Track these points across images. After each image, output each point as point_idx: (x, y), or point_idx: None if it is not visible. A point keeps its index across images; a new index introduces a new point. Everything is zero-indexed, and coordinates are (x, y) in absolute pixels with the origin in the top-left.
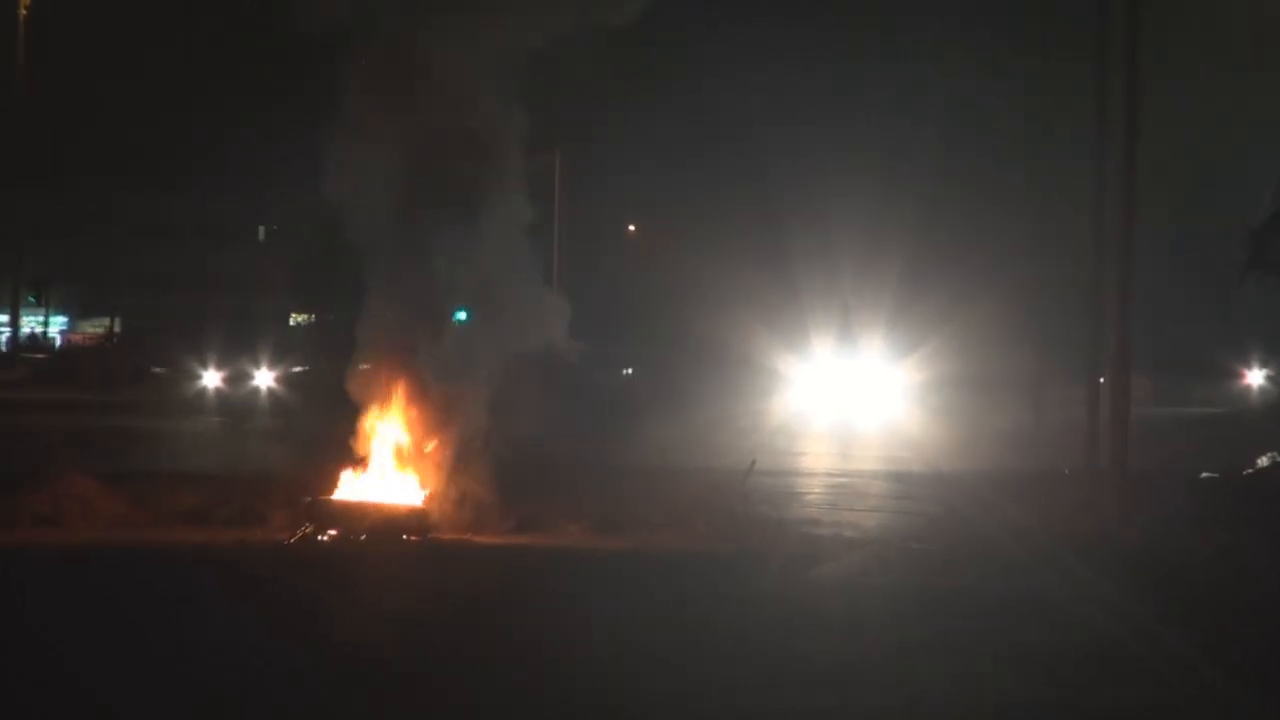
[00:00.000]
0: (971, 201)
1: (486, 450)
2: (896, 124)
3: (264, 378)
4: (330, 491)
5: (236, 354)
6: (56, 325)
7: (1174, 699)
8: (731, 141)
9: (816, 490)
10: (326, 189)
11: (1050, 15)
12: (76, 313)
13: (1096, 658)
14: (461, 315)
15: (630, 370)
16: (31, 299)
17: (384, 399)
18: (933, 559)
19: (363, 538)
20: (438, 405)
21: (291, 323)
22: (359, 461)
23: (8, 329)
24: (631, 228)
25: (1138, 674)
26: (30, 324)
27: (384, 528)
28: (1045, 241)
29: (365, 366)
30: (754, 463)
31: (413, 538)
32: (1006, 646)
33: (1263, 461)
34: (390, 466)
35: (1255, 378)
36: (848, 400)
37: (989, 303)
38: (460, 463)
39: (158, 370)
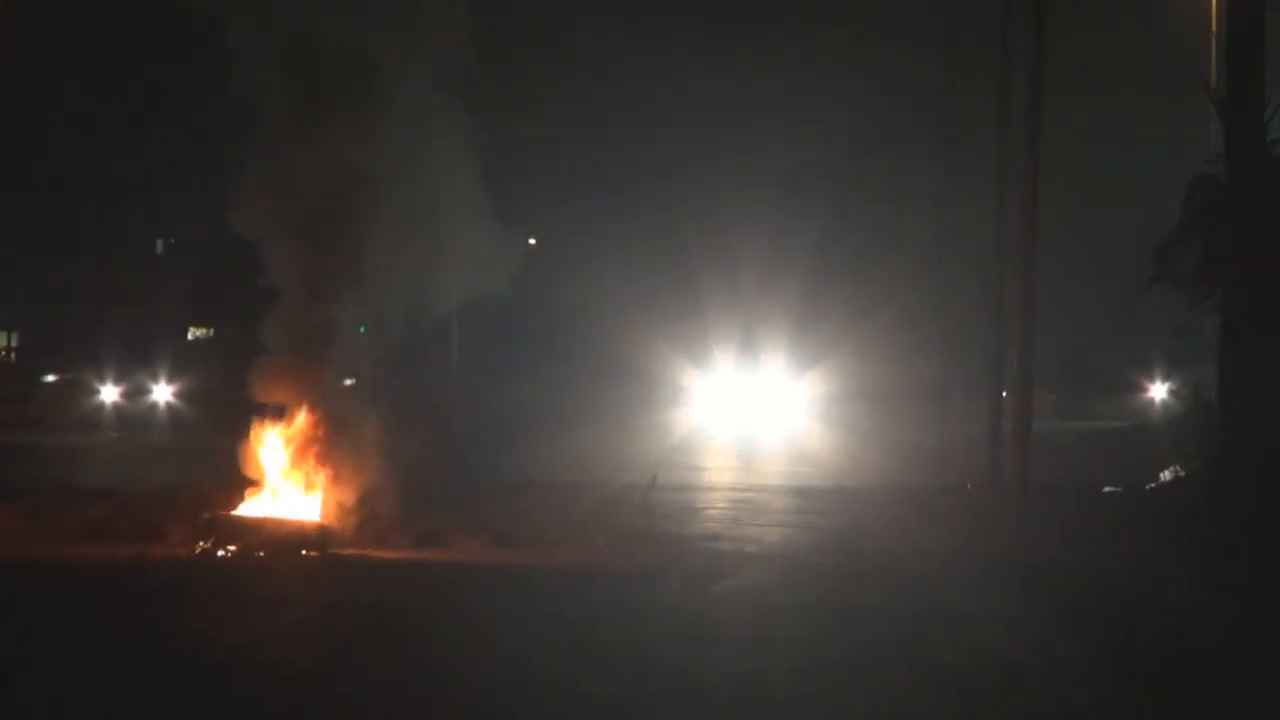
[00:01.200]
0: (875, 217)
1: (385, 466)
2: (800, 140)
3: (162, 392)
4: (230, 507)
5: (134, 368)
6: None
7: (1075, 709)
8: (633, 155)
9: (718, 505)
10: (230, 202)
11: (955, 30)
12: None
13: (1000, 672)
14: (361, 329)
15: (527, 387)
16: None
17: (283, 414)
18: (836, 574)
19: (262, 553)
20: (337, 421)
21: (189, 337)
22: (258, 477)
23: None
24: (532, 241)
25: (1040, 686)
26: None
27: (283, 543)
28: (949, 256)
29: (264, 381)
30: (655, 477)
31: (312, 553)
32: (911, 661)
33: (1165, 475)
34: (289, 482)
35: (1158, 392)
36: (750, 414)
37: (892, 317)
38: (359, 478)
39: (53, 382)
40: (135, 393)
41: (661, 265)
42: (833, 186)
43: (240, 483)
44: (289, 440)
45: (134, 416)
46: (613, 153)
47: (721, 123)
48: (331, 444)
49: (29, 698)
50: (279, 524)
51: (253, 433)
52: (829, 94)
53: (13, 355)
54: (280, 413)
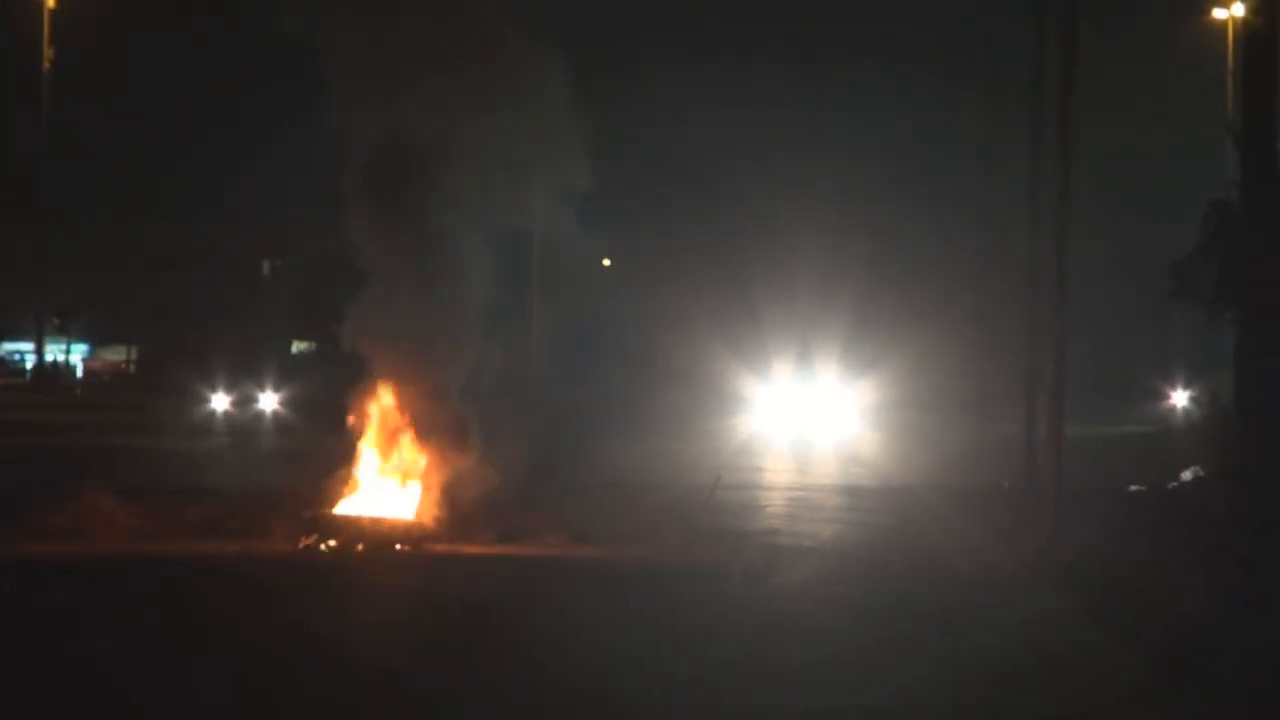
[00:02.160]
0: (922, 234)
1: (474, 467)
2: (851, 159)
3: (269, 401)
4: (331, 505)
5: (243, 379)
6: (78, 353)
7: (1109, 698)
8: (695, 176)
9: (777, 503)
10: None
11: (991, 54)
12: (96, 341)
13: (1039, 661)
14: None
15: (590, 394)
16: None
17: (380, 420)
18: (885, 568)
19: (360, 548)
20: (430, 425)
21: (294, 350)
22: (357, 477)
23: (33, 356)
24: (606, 262)
25: (1076, 676)
26: (53, 352)
27: (380, 539)
28: (990, 270)
29: (363, 390)
30: (719, 478)
31: (406, 548)
32: (956, 651)
33: (1186, 475)
34: (386, 482)
35: (1180, 398)
36: (806, 420)
37: (938, 327)
38: (450, 478)
39: (169, 392)
40: (244, 401)
41: (724, 281)
42: (882, 205)
43: (340, 482)
44: (385, 442)
45: (243, 423)
46: (676, 175)
47: (778, 145)
48: (425, 446)
49: (149, 680)
50: (376, 521)
51: (351, 436)
52: (879, 116)
53: (132, 367)
54: (376, 418)
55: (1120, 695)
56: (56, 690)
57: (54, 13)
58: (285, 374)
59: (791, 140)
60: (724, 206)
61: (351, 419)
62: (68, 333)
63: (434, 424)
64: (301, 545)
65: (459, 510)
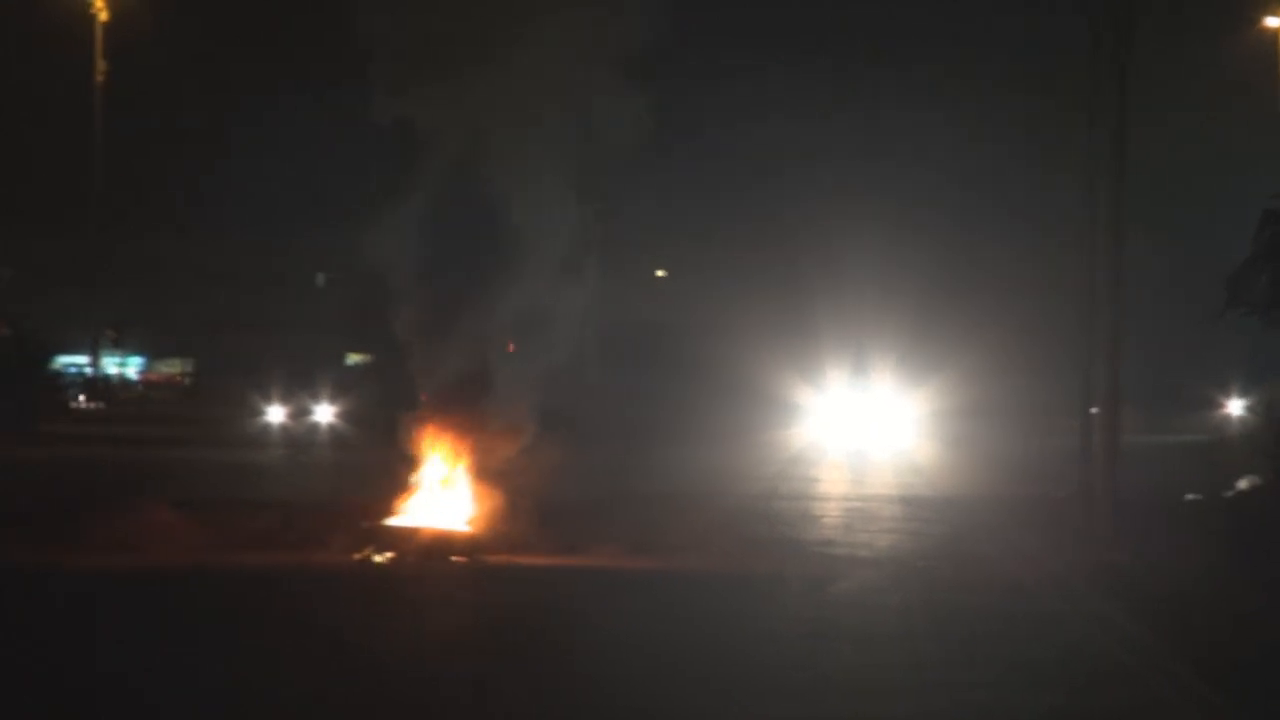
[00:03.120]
0: (978, 243)
1: (528, 477)
2: (909, 171)
3: (324, 413)
4: (386, 517)
5: (298, 391)
6: (133, 366)
7: (1162, 703)
8: (751, 187)
9: (832, 514)
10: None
11: (1048, 71)
12: (152, 354)
13: (1093, 671)
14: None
15: (641, 403)
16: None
17: (434, 432)
18: (940, 577)
19: (416, 560)
20: (482, 436)
21: (348, 362)
22: (412, 488)
23: (88, 369)
24: (660, 273)
25: (1129, 681)
26: (109, 364)
27: (436, 550)
28: (1045, 280)
29: (418, 402)
30: (774, 489)
31: (462, 559)
32: (1009, 658)
33: (1242, 484)
34: (441, 493)
35: (1235, 407)
36: (861, 430)
37: (993, 338)
38: (506, 489)
39: (225, 404)
40: (299, 413)
41: (779, 291)
42: (939, 217)
43: (396, 494)
44: (441, 454)
45: (298, 435)
46: (733, 186)
47: (836, 154)
48: (480, 457)
49: (202, 693)
50: (431, 532)
51: (408, 449)
52: (936, 130)
53: (188, 380)
54: (433, 430)
55: (1176, 705)
56: (113, 702)
57: (107, 26)
58: (340, 386)
59: (849, 150)
60: (781, 216)
61: (406, 431)
62: (123, 346)
63: (489, 435)
64: (357, 557)
65: (514, 521)
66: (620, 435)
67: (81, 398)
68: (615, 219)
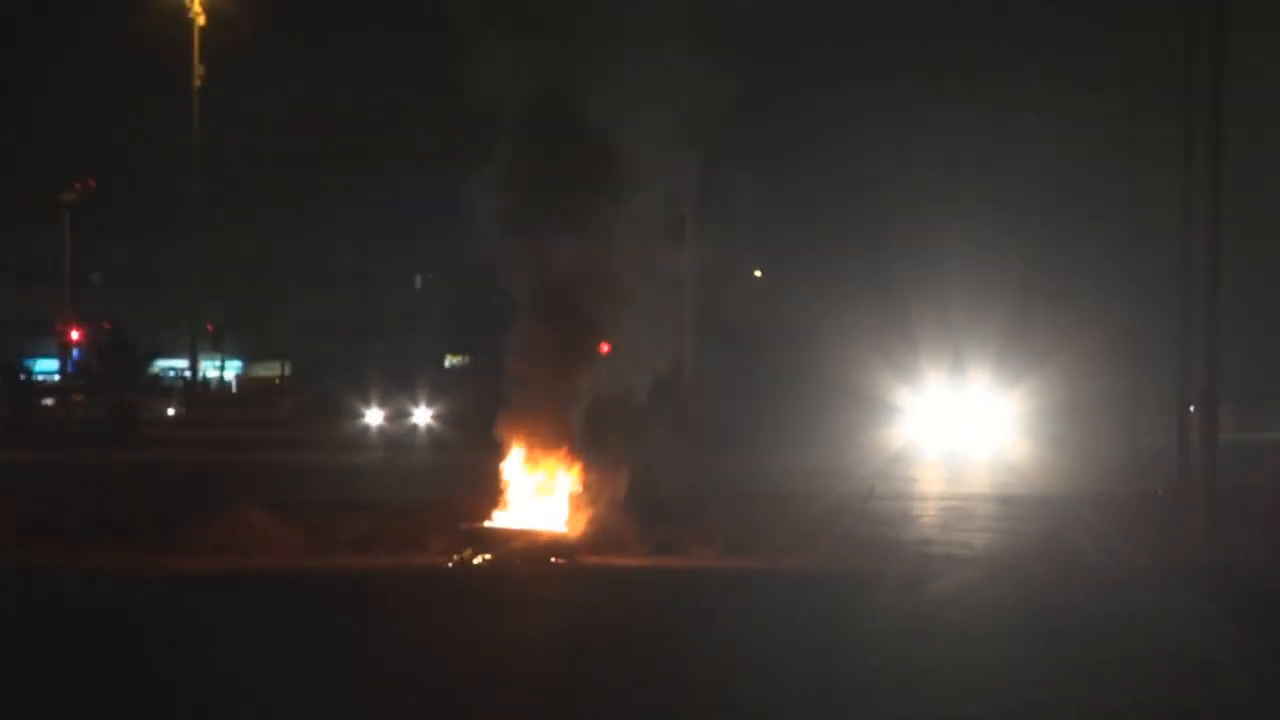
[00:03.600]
0: (1072, 242)
1: (624, 477)
2: (1004, 171)
3: (422, 415)
4: (485, 519)
5: (396, 394)
6: (232, 369)
7: (1254, 703)
8: (854, 194)
9: (930, 513)
10: (483, 244)
11: (1142, 63)
12: (250, 357)
13: (1191, 667)
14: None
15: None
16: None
17: (531, 433)
18: (1037, 576)
19: (516, 561)
20: (579, 438)
21: (446, 364)
22: (510, 491)
23: (188, 372)
24: (758, 273)
25: (1219, 679)
26: (208, 367)
27: (535, 552)
28: (1141, 278)
29: (514, 404)
30: (873, 488)
31: (561, 560)
32: (1105, 658)
33: None
34: (539, 495)
35: None
36: (958, 430)
37: (1089, 336)
38: (601, 490)
39: (325, 410)
40: (397, 415)
41: (877, 293)
42: (1035, 217)
43: (494, 496)
44: (539, 455)
45: (396, 437)
46: (834, 191)
47: (931, 158)
48: (578, 458)
49: (304, 695)
50: (530, 534)
51: (506, 450)
52: (1032, 130)
53: (286, 383)
54: (530, 431)
55: (1266, 704)
56: (213, 704)
57: (204, 31)
58: (438, 388)
59: (944, 154)
60: (877, 218)
61: (504, 433)
62: (222, 349)
63: (585, 436)
64: (456, 559)
65: (612, 522)
66: (721, 436)
67: (172, 405)
68: (716, 197)
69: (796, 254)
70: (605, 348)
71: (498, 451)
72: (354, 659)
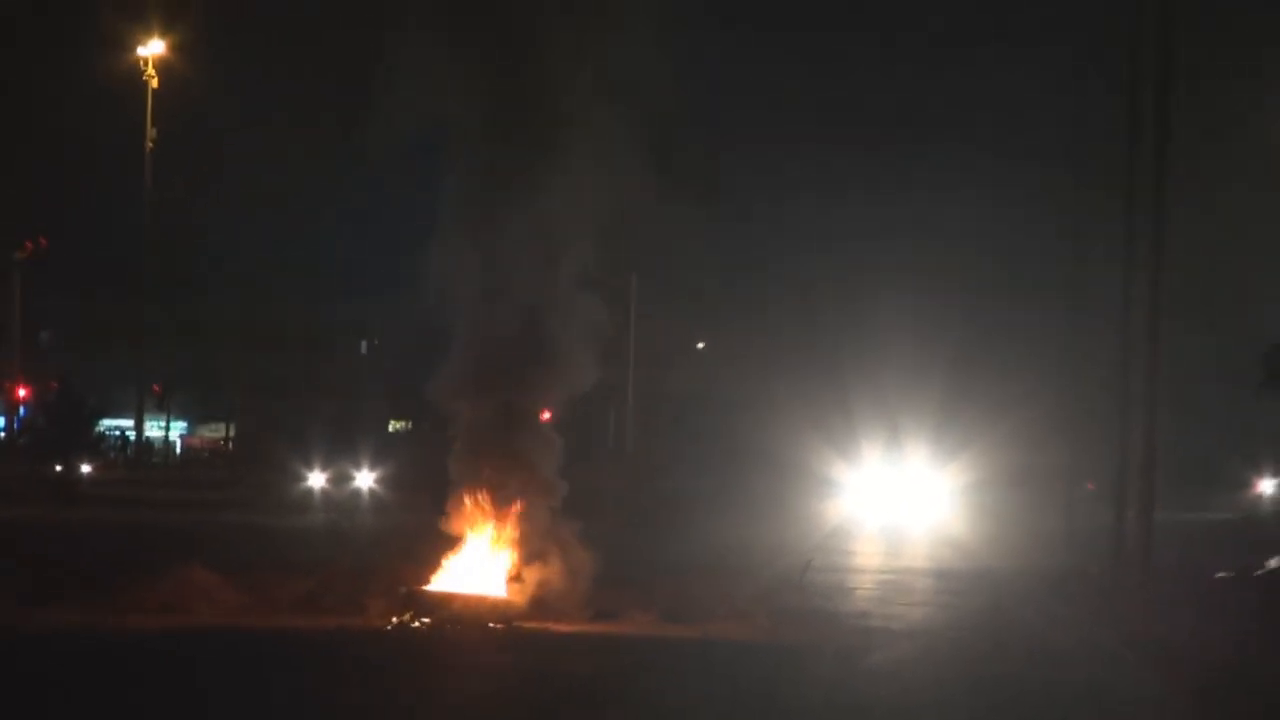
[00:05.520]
0: (1009, 321)
1: (565, 546)
2: (938, 247)
3: (365, 479)
4: (424, 583)
5: (339, 457)
6: (177, 430)
7: None
8: (785, 269)
9: (867, 586)
10: (427, 302)
11: (1082, 145)
12: (195, 418)
13: None
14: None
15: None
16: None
17: (473, 500)
18: (976, 649)
19: (452, 625)
20: (518, 506)
21: (390, 429)
22: (449, 556)
23: (132, 433)
24: (700, 345)
25: None
26: (153, 427)
27: (472, 616)
28: (1080, 351)
29: (455, 471)
30: (810, 561)
31: (499, 626)
32: None
33: (1272, 563)
34: (478, 560)
35: (1267, 486)
36: (895, 504)
37: (1027, 410)
38: (541, 557)
39: (268, 472)
40: (340, 479)
41: (812, 367)
42: (970, 293)
43: (433, 560)
44: (480, 521)
45: (339, 500)
46: (767, 265)
47: (867, 239)
48: (516, 527)
49: None
50: (468, 599)
51: (446, 516)
52: (966, 209)
53: (230, 444)
54: (470, 499)
55: None
56: None
57: (156, 93)
58: (381, 452)
59: (882, 226)
60: (813, 292)
61: (445, 498)
62: (167, 409)
63: (525, 503)
64: (395, 622)
65: (551, 588)
66: (658, 507)
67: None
68: (659, 288)
69: (734, 325)
70: (546, 415)
71: (439, 516)
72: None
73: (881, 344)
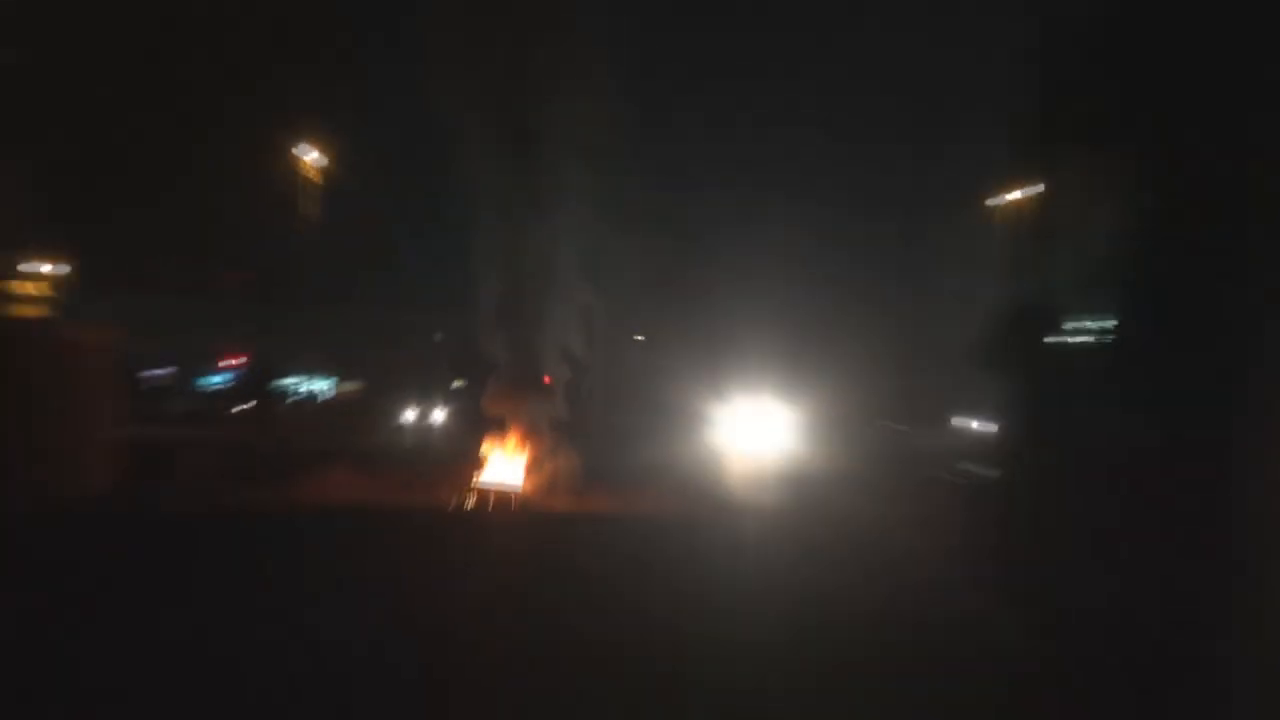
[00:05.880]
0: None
1: (555, 456)
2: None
3: (439, 417)
4: (474, 478)
5: (425, 404)
6: (328, 386)
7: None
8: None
9: (739, 485)
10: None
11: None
12: (339, 379)
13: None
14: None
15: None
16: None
17: (504, 428)
18: (806, 521)
19: (490, 507)
20: (531, 429)
21: (453, 387)
22: (490, 462)
23: (304, 387)
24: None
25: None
26: (313, 385)
27: (503, 500)
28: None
29: (493, 411)
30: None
31: (517, 506)
32: (867, 566)
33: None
34: (506, 465)
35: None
36: (758, 433)
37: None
38: (542, 463)
39: (383, 414)
40: (424, 417)
41: (703, 315)
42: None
43: (480, 465)
44: (508, 441)
45: (423, 430)
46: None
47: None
48: (529, 443)
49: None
50: (499, 488)
51: (487, 440)
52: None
53: (362, 395)
54: (502, 426)
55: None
56: (313, 582)
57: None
58: (448, 400)
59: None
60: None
61: (487, 428)
62: (323, 373)
63: (534, 431)
64: (455, 502)
65: (548, 482)
66: (610, 437)
67: (294, 405)
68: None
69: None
70: (547, 379)
71: (484, 439)
72: (382, 558)
73: (743, 282)
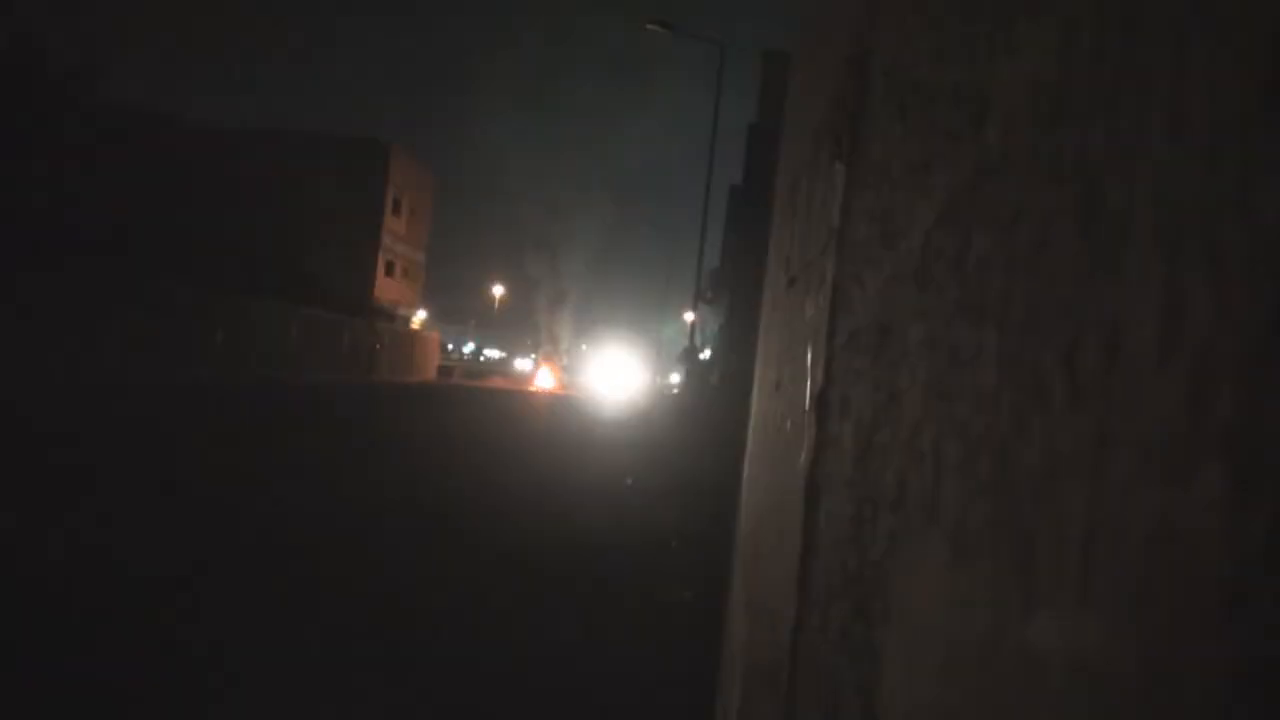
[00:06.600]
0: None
1: (565, 376)
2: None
3: (522, 363)
4: (530, 385)
5: (523, 357)
6: (476, 348)
7: None
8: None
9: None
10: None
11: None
12: (480, 345)
13: None
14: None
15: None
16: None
17: (543, 362)
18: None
19: (537, 392)
20: (558, 363)
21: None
22: (539, 377)
23: (462, 349)
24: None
25: None
26: (468, 347)
27: (543, 393)
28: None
29: (542, 357)
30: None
31: (549, 394)
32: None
33: (674, 379)
34: (544, 378)
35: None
36: (617, 378)
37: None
38: (559, 377)
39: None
40: (510, 359)
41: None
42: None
43: (533, 377)
44: (545, 369)
45: (523, 370)
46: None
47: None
48: (555, 371)
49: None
50: (540, 388)
51: (537, 367)
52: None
53: (494, 357)
54: (543, 362)
55: None
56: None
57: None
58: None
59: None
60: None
61: (538, 359)
62: (473, 340)
63: (557, 364)
64: (521, 389)
65: (562, 386)
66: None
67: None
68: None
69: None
70: (564, 359)
71: (538, 367)
72: (467, 411)
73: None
